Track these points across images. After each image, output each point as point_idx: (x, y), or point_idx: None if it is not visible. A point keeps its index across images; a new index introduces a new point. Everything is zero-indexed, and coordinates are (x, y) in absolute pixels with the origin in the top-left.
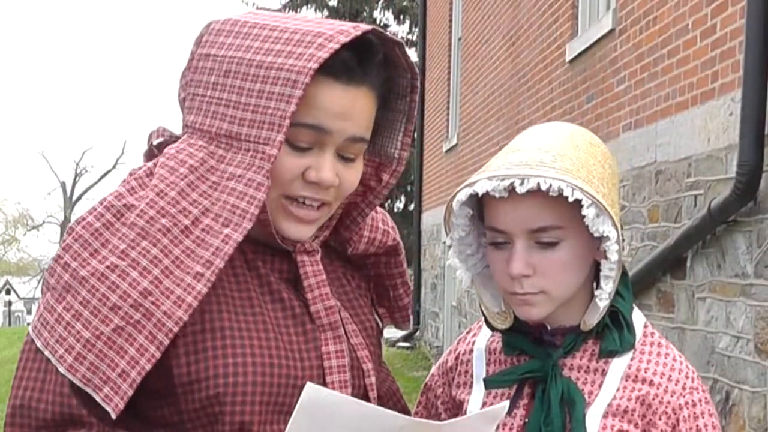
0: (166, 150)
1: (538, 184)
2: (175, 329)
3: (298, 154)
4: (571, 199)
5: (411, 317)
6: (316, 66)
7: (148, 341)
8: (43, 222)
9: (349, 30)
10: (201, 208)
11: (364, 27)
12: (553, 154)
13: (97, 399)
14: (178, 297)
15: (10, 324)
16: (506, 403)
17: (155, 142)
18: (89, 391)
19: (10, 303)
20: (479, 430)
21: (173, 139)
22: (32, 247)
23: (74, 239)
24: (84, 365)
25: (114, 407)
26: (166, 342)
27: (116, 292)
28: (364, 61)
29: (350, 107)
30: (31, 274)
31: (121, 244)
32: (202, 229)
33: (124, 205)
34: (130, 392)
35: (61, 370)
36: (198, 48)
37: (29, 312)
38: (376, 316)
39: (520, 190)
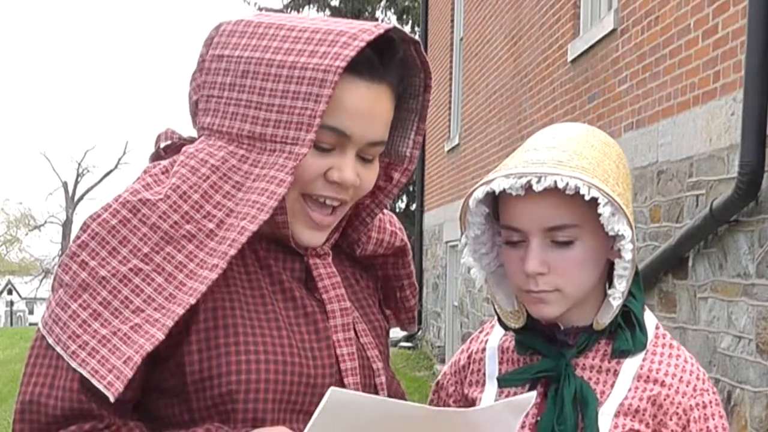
0: (184, 149)
1: (555, 182)
2: (182, 312)
3: (321, 154)
4: (587, 198)
5: (417, 320)
6: (344, 64)
7: (156, 329)
8: (45, 222)
9: (371, 29)
10: (225, 210)
11: (385, 25)
12: (570, 153)
13: (100, 386)
14: (194, 290)
15: (12, 324)
16: (533, 394)
17: (163, 145)
18: (94, 381)
19: (11, 303)
20: (504, 421)
21: (181, 141)
22: (34, 247)
23: (90, 236)
24: (95, 359)
25: (114, 391)
26: (171, 324)
27: (140, 296)
28: (385, 58)
29: (373, 107)
30: (33, 274)
31: (143, 246)
32: (226, 229)
33: (140, 200)
34: (131, 374)
35: (74, 365)
36: (209, 50)
37: (31, 312)
38: (383, 317)
39: (537, 188)
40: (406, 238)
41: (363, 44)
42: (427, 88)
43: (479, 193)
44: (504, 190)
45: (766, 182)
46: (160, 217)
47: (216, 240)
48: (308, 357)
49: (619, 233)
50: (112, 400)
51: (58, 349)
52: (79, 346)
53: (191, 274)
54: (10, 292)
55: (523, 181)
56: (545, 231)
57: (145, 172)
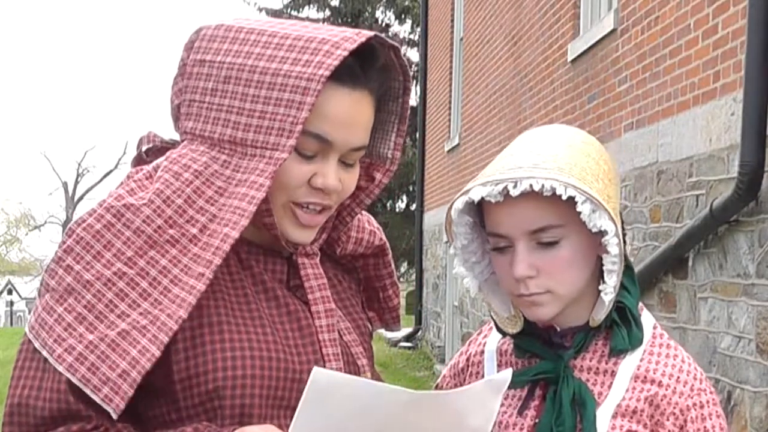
0: (168, 154)
1: (531, 185)
2: (176, 327)
3: (305, 160)
4: (564, 197)
5: (401, 319)
6: (327, 73)
7: (150, 342)
8: (45, 222)
9: (353, 37)
10: (208, 215)
11: (367, 33)
12: (546, 155)
13: (97, 400)
14: (182, 299)
15: (12, 324)
16: (510, 371)
17: (144, 148)
18: (88, 391)
19: (11, 303)
20: (485, 401)
21: (163, 144)
22: (34, 247)
23: (75, 241)
24: (84, 365)
25: (115, 407)
26: (167, 341)
27: (125, 300)
28: (366, 65)
29: (354, 113)
30: (33, 274)
31: (127, 250)
32: (209, 235)
33: (124, 205)
34: (131, 392)
35: (60, 369)
36: (190, 54)
37: (31, 312)
38: (366, 318)
39: (514, 192)
40: (384, 238)
41: (345, 53)
42: (406, 90)
43: (459, 203)
44: (483, 198)
45: (766, 182)
46: (143, 221)
47: (199, 245)
48: (293, 353)
49: (602, 228)
50: (114, 416)
51: (44, 352)
52: (65, 350)
53: (176, 280)
54: (10, 292)
55: (500, 187)
56: (529, 234)
57: (128, 177)
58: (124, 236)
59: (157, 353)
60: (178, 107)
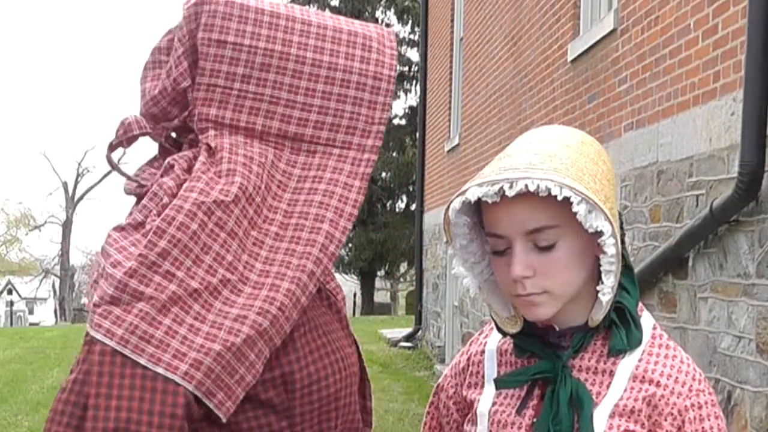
0: (216, 145)
1: (526, 185)
2: (288, 329)
3: None
4: (559, 198)
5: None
6: (395, 74)
7: (265, 344)
8: (45, 222)
9: (388, 34)
10: (281, 212)
11: (392, 30)
12: (542, 156)
13: (211, 405)
14: (290, 292)
15: (12, 324)
16: None
17: (134, 134)
18: (200, 395)
19: (11, 303)
20: None
21: (144, 133)
22: (34, 247)
23: (172, 244)
24: (210, 378)
25: (225, 412)
26: (279, 342)
27: (234, 307)
28: None
29: None
30: (33, 274)
31: (226, 254)
32: (294, 230)
33: (214, 201)
34: (242, 395)
35: (190, 388)
36: (199, 31)
37: (31, 312)
38: None
39: (510, 193)
40: None
41: (396, 53)
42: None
43: (456, 203)
44: (479, 198)
45: (766, 182)
46: (235, 222)
47: (289, 242)
48: (344, 345)
49: (598, 229)
50: (224, 420)
51: (159, 369)
52: (192, 366)
53: (275, 286)
54: (10, 292)
55: (496, 187)
56: (526, 234)
57: (185, 169)
58: (220, 238)
59: (267, 353)
60: (185, 91)
